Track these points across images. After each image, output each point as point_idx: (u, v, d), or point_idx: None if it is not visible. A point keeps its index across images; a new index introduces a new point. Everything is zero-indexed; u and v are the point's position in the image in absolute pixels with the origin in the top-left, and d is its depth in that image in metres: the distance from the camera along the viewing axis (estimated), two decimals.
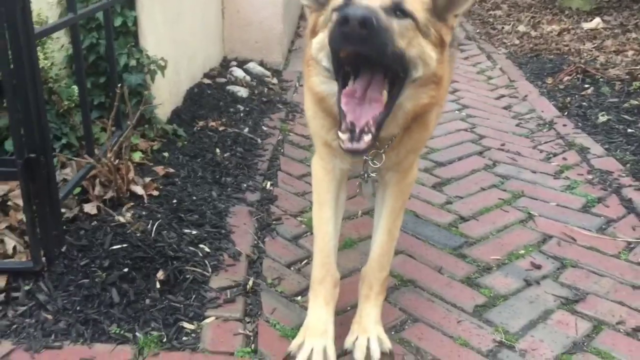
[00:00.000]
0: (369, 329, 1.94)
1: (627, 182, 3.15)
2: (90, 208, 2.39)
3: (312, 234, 2.20)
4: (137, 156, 2.87)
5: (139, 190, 2.58)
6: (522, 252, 2.59)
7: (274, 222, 2.71)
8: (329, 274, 1.95)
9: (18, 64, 1.89)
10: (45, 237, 2.10)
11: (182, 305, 2.07)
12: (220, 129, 3.52)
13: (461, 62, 5.42)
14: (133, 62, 2.93)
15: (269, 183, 3.06)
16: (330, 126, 1.79)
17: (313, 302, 1.95)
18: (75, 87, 2.58)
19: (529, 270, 2.46)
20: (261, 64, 4.79)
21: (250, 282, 2.25)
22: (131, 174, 2.57)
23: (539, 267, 2.49)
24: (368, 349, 1.90)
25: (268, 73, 4.70)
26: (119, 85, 2.49)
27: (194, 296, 2.12)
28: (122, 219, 2.37)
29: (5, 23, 1.83)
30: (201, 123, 3.52)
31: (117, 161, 2.50)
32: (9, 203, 2.32)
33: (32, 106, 1.92)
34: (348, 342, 1.93)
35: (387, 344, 1.92)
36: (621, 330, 2.13)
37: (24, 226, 2.22)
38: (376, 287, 2.00)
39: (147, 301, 2.06)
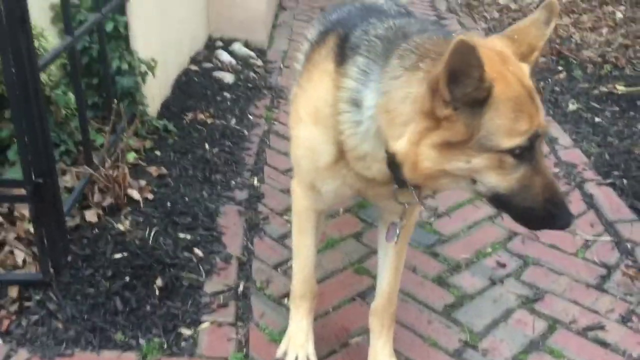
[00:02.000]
0: None
1: (589, 177, 3.38)
2: (90, 216, 2.57)
3: None
4: (131, 157, 3.04)
5: (135, 194, 2.76)
6: (489, 250, 2.82)
7: (261, 221, 2.92)
8: (309, 290, 2.15)
9: (24, 96, 2.03)
10: (53, 250, 2.29)
11: (179, 311, 2.29)
12: (209, 121, 3.68)
13: None
14: (125, 66, 3.06)
15: (256, 179, 3.25)
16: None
17: (295, 314, 2.17)
18: (72, 96, 2.71)
19: (494, 269, 2.70)
20: (246, 44, 4.90)
21: (241, 286, 2.47)
22: (127, 180, 2.73)
23: (503, 265, 2.73)
24: None
25: (253, 54, 4.81)
26: (115, 101, 2.63)
27: (190, 301, 2.34)
28: (121, 227, 2.56)
29: (12, 62, 1.96)
30: (190, 115, 3.67)
31: (114, 172, 2.66)
32: (15, 213, 2.49)
33: (39, 136, 2.08)
34: None
35: None
36: (573, 329, 2.38)
37: (30, 236, 2.41)
38: (387, 321, 2.12)
39: (148, 308, 2.28)
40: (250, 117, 3.88)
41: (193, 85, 4.07)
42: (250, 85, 4.31)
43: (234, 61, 4.57)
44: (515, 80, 1.45)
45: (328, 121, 1.66)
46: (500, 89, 1.40)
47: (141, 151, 3.17)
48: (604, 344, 2.31)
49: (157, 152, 3.23)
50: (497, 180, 1.46)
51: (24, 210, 2.46)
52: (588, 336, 2.35)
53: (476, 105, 1.38)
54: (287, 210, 3.03)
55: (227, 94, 4.08)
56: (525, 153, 1.44)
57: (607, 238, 2.89)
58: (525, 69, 1.55)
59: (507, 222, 2.99)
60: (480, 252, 2.80)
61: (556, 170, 3.46)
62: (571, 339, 2.34)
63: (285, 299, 2.44)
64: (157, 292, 2.33)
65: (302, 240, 2.09)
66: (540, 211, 1.48)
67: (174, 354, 2.14)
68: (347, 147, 1.65)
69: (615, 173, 3.37)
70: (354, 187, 1.80)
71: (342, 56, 1.65)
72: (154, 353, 2.12)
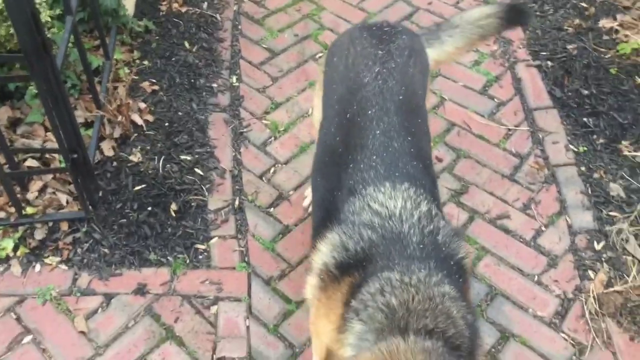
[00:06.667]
0: None
1: (522, 56, 3.92)
2: (107, 150, 3.15)
3: (276, 139, 3.26)
4: (122, 73, 3.47)
5: (138, 119, 3.30)
6: (431, 144, 3.50)
7: (244, 129, 3.51)
8: None
9: (53, 95, 2.49)
10: (87, 190, 2.93)
11: (193, 230, 3.03)
12: (183, 10, 3.98)
13: None
14: None
15: (234, 78, 3.74)
16: None
17: None
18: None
19: (434, 164, 3.42)
20: None
21: (237, 201, 3.19)
22: (129, 107, 3.24)
23: (440, 160, 3.44)
24: None
25: None
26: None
27: (199, 220, 3.07)
28: (134, 159, 3.15)
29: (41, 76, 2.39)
30: (165, 6, 3.96)
31: (117, 101, 3.15)
32: (47, 156, 3.06)
33: (67, 124, 2.59)
34: None
35: None
36: (487, 218, 3.21)
37: (64, 176, 3.02)
38: None
39: (169, 230, 3.01)
40: None
41: None
42: None
43: None
44: None
45: None
46: None
47: (131, 63, 3.59)
48: (507, 230, 3.15)
49: (145, 62, 3.65)
50: None
51: (55, 156, 3.04)
52: (497, 224, 3.18)
53: None
54: (266, 113, 3.59)
55: None
56: None
57: (524, 128, 3.57)
58: None
59: (449, 112, 3.63)
60: None
61: (494, 48, 3.98)
62: (484, 227, 3.16)
63: (272, 209, 3.18)
64: (173, 216, 3.04)
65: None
66: None
67: (195, 267, 2.94)
68: None
69: (543, 54, 3.90)
70: None
71: (344, 319, 1.76)
72: (181, 268, 2.92)
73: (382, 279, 1.74)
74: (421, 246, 1.84)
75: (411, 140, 2.14)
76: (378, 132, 2.11)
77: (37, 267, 2.84)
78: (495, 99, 3.72)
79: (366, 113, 2.16)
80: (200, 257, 2.97)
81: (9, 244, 2.82)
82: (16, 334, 2.66)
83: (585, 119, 3.56)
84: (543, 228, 3.13)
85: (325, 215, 2.07)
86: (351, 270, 1.84)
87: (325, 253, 1.96)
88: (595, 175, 3.30)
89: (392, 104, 2.18)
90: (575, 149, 3.43)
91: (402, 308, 1.67)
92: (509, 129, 3.57)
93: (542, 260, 3.01)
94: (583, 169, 3.34)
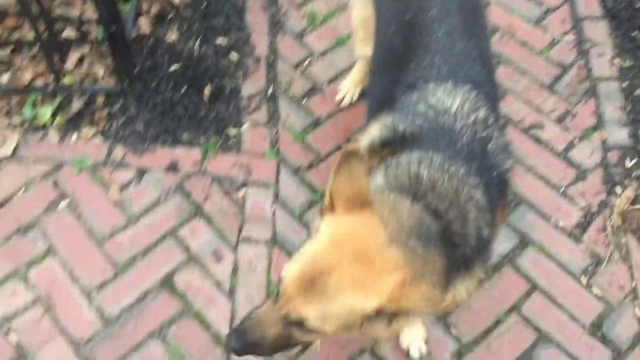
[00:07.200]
0: None
1: None
2: (144, 26, 3.13)
3: (313, 29, 3.20)
4: None
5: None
6: None
7: (282, 17, 3.43)
8: None
9: None
10: (124, 66, 2.94)
11: (226, 115, 3.06)
12: None
13: None
14: None
15: None
16: None
17: None
18: None
19: None
20: None
21: (270, 89, 3.18)
22: None
23: None
24: None
25: None
26: None
27: (232, 105, 3.09)
28: (171, 38, 3.14)
29: None
30: None
31: None
32: (84, 29, 3.06)
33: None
34: None
35: None
36: (519, 127, 3.18)
37: (102, 49, 3.03)
38: None
39: (202, 112, 3.04)
40: None
41: None
42: None
43: None
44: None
45: None
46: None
47: None
48: (539, 140, 3.13)
49: None
50: None
51: (91, 25, 3.03)
52: (529, 133, 3.15)
53: None
54: (304, 2, 3.50)
55: None
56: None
57: (570, 37, 3.46)
58: None
59: (494, 15, 3.50)
60: None
61: None
62: (515, 136, 3.13)
63: (305, 100, 3.18)
64: (207, 99, 3.06)
65: None
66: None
67: (225, 151, 2.98)
68: None
69: None
70: None
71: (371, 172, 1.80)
72: (212, 150, 2.97)
73: (426, 155, 1.74)
74: (469, 147, 1.81)
75: (474, 42, 2.08)
76: (440, 33, 2.05)
77: (74, 136, 2.91)
78: (544, 5, 3.57)
79: (427, 14, 2.10)
80: (231, 141, 3.01)
81: (47, 111, 2.89)
82: (53, 198, 2.77)
83: (634, 33, 3.42)
84: (576, 141, 3.10)
85: (381, 108, 2.05)
86: (394, 145, 1.85)
87: (373, 132, 1.96)
88: (637, 92, 3.22)
89: (454, 5, 2.11)
90: (621, 63, 3.32)
91: (428, 185, 1.68)
92: (554, 38, 3.45)
93: (570, 172, 3.00)
94: (625, 84, 3.25)
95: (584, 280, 2.72)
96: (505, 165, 1.91)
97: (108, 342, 2.51)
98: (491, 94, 2.05)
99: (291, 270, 1.51)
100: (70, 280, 2.62)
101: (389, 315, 1.45)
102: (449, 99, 1.91)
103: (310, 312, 1.47)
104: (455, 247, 1.66)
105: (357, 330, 1.53)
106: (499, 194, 1.88)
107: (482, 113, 1.92)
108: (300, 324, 1.52)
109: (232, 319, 2.57)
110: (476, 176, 1.77)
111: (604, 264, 2.75)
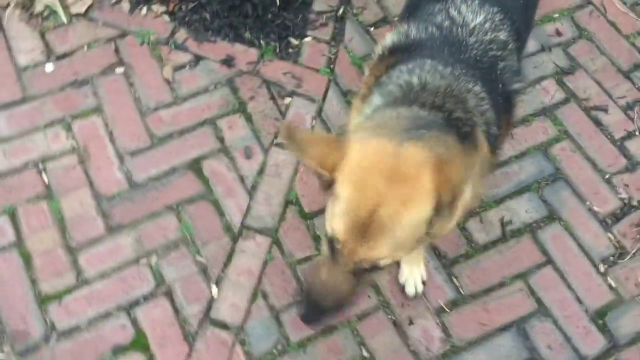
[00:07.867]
0: None
1: None
2: None
3: None
4: None
5: None
6: (556, 15, 3.28)
7: None
8: None
9: None
10: None
11: (291, 24, 3.08)
12: None
13: None
14: None
15: None
16: None
17: None
18: None
19: (551, 36, 3.22)
20: None
21: (341, 10, 3.17)
22: None
23: (560, 34, 3.23)
24: None
25: None
26: None
27: (300, 16, 3.10)
28: None
29: None
30: None
31: None
32: None
33: None
34: None
35: None
36: (582, 106, 3.06)
37: None
38: None
39: (269, 16, 3.07)
40: None
41: None
42: None
43: None
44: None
45: None
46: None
47: None
48: (598, 123, 3.01)
49: None
50: None
51: None
52: (590, 114, 3.03)
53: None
54: None
55: None
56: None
57: None
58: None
59: None
60: (545, 16, 3.25)
61: None
62: (576, 112, 3.02)
63: (372, 28, 3.15)
64: (277, 4, 3.08)
65: None
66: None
67: (282, 58, 3.02)
68: None
69: None
70: None
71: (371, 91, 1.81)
72: (269, 54, 3.01)
73: (418, 62, 1.73)
74: (476, 59, 1.79)
75: None
76: None
77: (144, 10, 3.01)
78: None
79: None
80: (290, 50, 3.04)
81: None
82: (112, 62, 2.90)
83: None
84: (637, 132, 2.97)
85: (407, 17, 2.03)
86: (399, 53, 1.84)
87: (387, 40, 1.97)
88: None
89: None
90: None
91: (419, 86, 1.67)
92: None
93: (621, 161, 2.89)
94: None
95: (602, 267, 2.65)
96: (512, 85, 1.87)
97: (128, 204, 2.64)
98: (521, 25, 1.99)
99: (338, 228, 1.47)
100: (109, 140, 2.75)
101: (448, 204, 1.43)
102: (471, 15, 1.87)
103: (383, 250, 1.46)
104: (465, 135, 1.62)
105: (427, 237, 1.53)
106: (504, 109, 1.85)
107: (502, 35, 1.88)
108: (373, 267, 1.52)
109: (246, 213, 2.65)
110: (477, 81, 1.74)
111: (627, 257, 2.66)
